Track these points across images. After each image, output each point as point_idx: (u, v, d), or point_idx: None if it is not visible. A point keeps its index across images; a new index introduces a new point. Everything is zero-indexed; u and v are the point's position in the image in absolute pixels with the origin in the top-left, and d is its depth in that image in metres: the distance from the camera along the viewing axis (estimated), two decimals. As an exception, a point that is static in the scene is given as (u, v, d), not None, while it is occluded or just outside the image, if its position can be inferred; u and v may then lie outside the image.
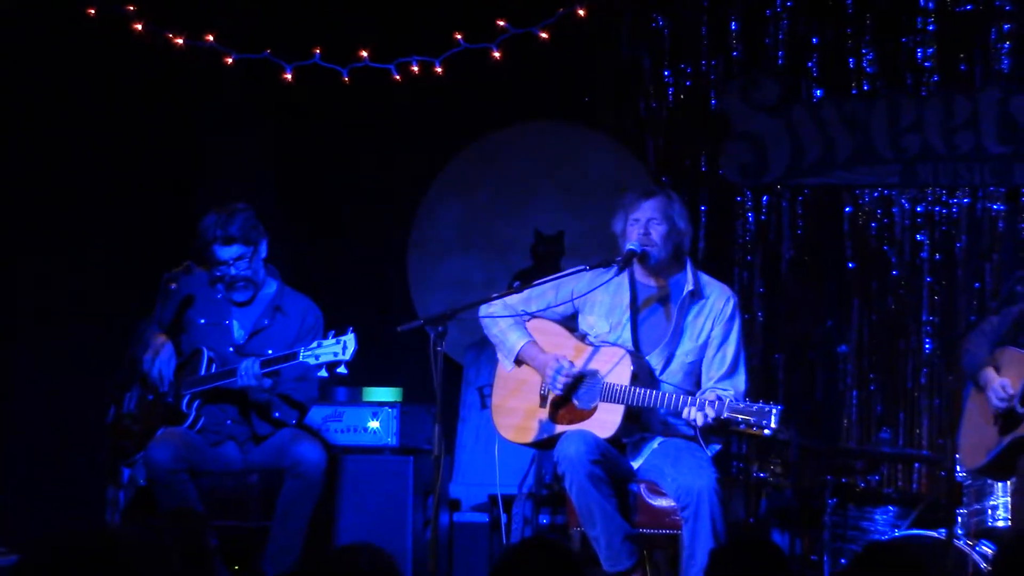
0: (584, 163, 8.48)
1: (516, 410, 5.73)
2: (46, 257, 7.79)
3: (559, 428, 5.61)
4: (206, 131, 8.23)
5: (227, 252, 6.10)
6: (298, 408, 6.17)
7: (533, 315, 5.78)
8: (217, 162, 8.21)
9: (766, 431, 5.25)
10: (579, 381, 5.61)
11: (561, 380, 5.58)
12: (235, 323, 6.23)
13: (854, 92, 8.15)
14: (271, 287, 6.27)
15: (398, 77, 7.50)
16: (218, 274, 6.14)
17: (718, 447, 5.61)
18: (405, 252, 8.59)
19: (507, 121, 8.53)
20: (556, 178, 8.50)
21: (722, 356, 5.65)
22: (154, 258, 6.64)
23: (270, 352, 6.09)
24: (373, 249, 8.48)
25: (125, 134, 7.99)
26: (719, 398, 5.35)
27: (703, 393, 5.46)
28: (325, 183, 8.47)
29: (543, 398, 5.68)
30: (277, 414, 6.10)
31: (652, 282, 5.72)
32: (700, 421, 5.33)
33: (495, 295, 5.75)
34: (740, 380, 5.65)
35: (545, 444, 5.67)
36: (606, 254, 5.71)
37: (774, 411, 5.24)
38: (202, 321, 6.23)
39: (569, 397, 5.64)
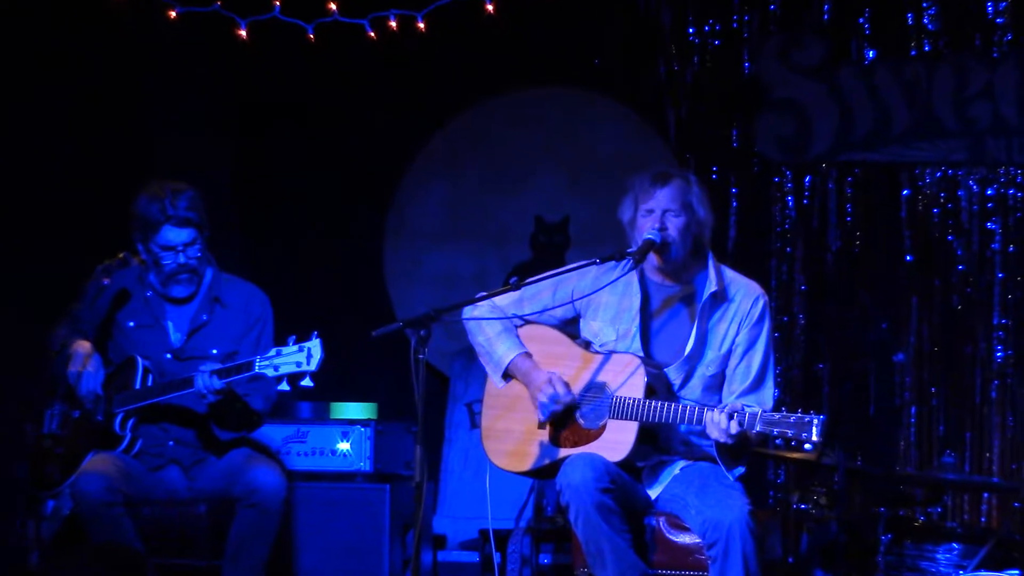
0: (593, 137, 8.48)
1: (510, 432, 5.71)
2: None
3: (562, 452, 5.59)
4: (146, 102, 8.21)
5: (179, 235, 6.09)
6: (253, 418, 6.17)
7: (525, 319, 5.78)
8: (160, 139, 8.19)
9: (807, 446, 5.25)
10: (573, 407, 5.61)
11: (551, 409, 5.59)
12: (170, 324, 6.23)
13: (913, 53, 8.16)
14: (207, 276, 6.27)
15: (373, 34, 7.49)
16: (165, 261, 6.13)
17: (741, 469, 5.60)
18: (381, 242, 8.59)
19: (502, 87, 8.53)
20: (560, 154, 8.51)
21: (746, 366, 5.64)
22: (79, 252, 6.60)
23: (215, 352, 6.09)
24: (343, 239, 8.48)
25: (42, 104, 7.95)
26: (746, 410, 5.33)
27: (724, 408, 5.45)
28: (286, 162, 8.46)
29: (542, 417, 5.70)
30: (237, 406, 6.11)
31: (668, 282, 5.70)
32: (724, 424, 5.31)
33: (482, 295, 5.74)
34: (767, 394, 5.64)
35: (546, 471, 5.65)
36: (620, 245, 5.70)
37: (815, 421, 5.23)
38: (132, 324, 6.21)
39: (573, 415, 5.65)
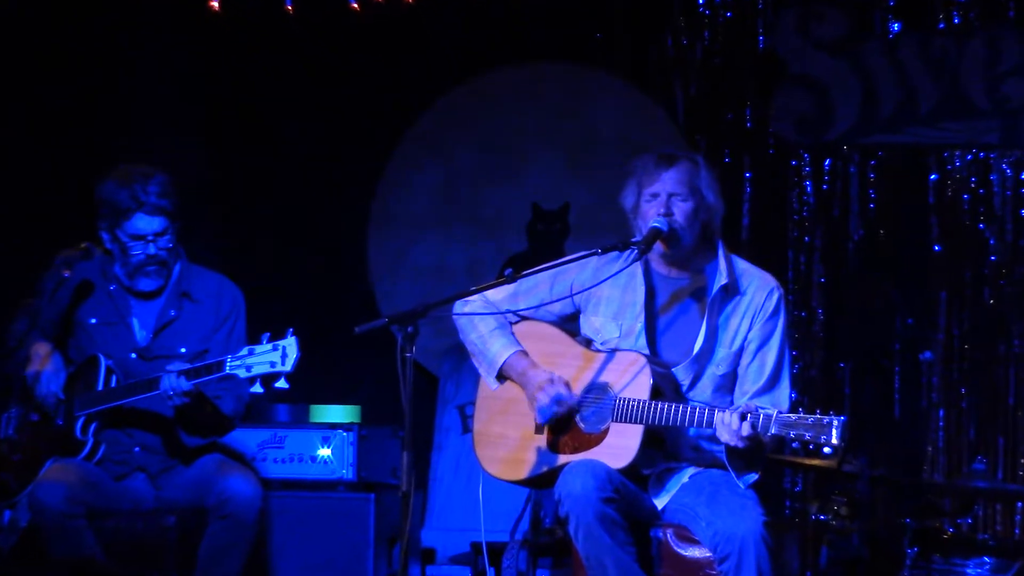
0: (595, 117, 8.47)
1: (505, 438, 5.70)
2: None
3: (561, 458, 5.58)
4: (113, 76, 8.20)
5: (150, 224, 6.09)
6: (224, 422, 6.16)
7: (520, 315, 5.76)
8: (126, 118, 8.18)
9: (826, 449, 5.24)
10: (575, 411, 5.60)
11: (553, 411, 5.57)
12: (136, 321, 6.22)
13: (941, 26, 8.15)
14: (175, 269, 6.26)
15: (356, 6, 7.48)
16: (133, 252, 6.11)
17: (754, 476, 5.59)
18: (364, 232, 8.58)
19: (496, 63, 8.52)
20: (559, 136, 8.50)
21: (759, 364, 5.62)
22: (37, 242, 6.59)
23: (183, 351, 6.10)
24: (323, 228, 8.47)
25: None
26: (760, 412, 5.32)
27: (736, 409, 5.44)
28: (263, 143, 8.45)
29: (539, 422, 5.69)
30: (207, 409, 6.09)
31: (674, 273, 5.69)
32: (736, 426, 5.30)
33: (473, 288, 5.71)
34: (782, 395, 5.63)
35: (544, 480, 5.64)
36: (622, 234, 5.68)
37: (836, 423, 5.21)
38: (94, 321, 6.21)
39: (573, 418, 5.63)
